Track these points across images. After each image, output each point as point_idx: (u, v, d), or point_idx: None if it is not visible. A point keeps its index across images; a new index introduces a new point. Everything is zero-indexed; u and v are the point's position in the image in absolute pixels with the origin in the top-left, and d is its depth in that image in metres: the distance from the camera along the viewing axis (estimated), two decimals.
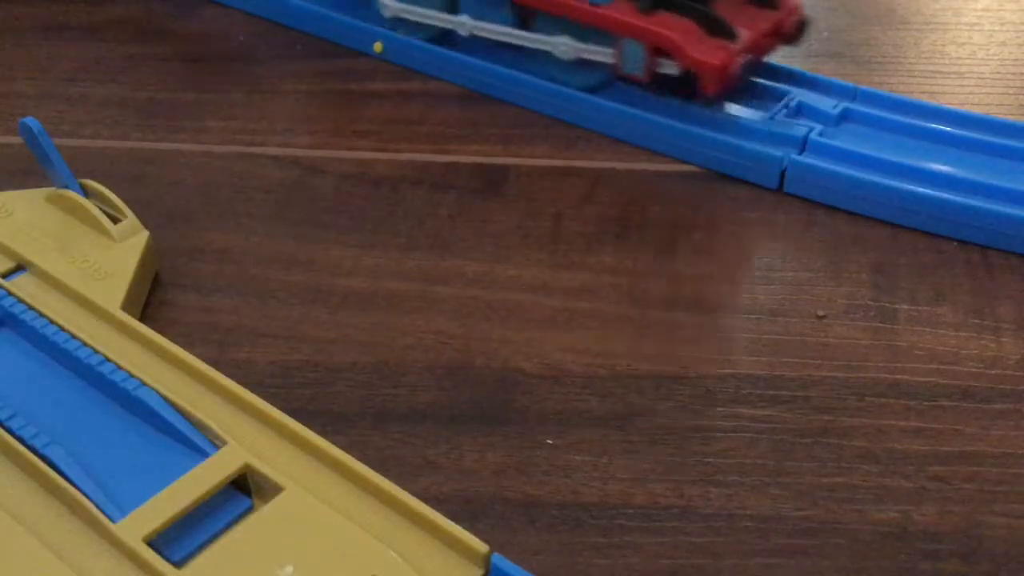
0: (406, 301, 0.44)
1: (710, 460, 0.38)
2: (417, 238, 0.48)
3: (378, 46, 0.60)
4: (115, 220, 0.44)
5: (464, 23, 0.56)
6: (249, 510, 0.33)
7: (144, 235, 0.44)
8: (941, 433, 0.39)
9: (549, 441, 0.38)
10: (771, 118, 0.52)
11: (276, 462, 0.34)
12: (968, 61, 0.61)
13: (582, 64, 0.54)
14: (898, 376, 0.41)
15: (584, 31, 0.53)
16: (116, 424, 0.36)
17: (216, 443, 0.34)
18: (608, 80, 0.54)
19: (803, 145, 0.50)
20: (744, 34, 0.51)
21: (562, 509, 0.36)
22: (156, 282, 0.45)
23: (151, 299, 0.44)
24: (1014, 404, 0.40)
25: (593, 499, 0.36)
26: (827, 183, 0.49)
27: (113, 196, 0.45)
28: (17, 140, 0.48)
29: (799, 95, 0.53)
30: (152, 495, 0.32)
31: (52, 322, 0.38)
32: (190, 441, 0.34)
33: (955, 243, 0.47)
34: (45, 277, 0.41)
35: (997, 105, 0.57)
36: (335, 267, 0.46)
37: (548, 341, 0.42)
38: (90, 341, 0.38)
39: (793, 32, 0.53)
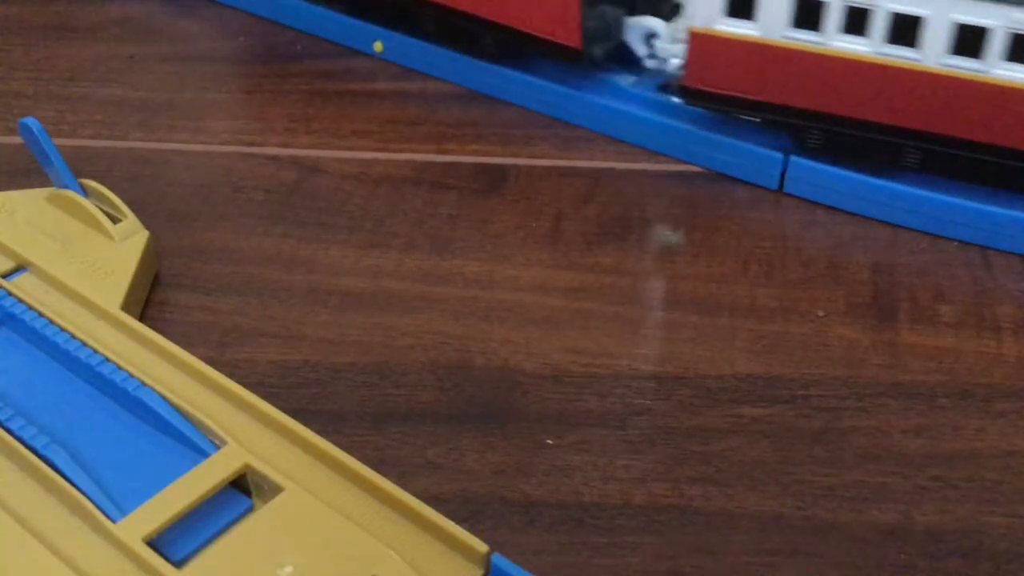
0: (406, 301, 0.44)
1: (710, 460, 0.38)
2: (417, 238, 0.48)
3: (378, 46, 0.60)
4: (115, 220, 0.44)
5: None
6: (249, 510, 0.33)
7: (144, 235, 0.44)
8: (941, 433, 0.39)
9: (549, 441, 0.38)
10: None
11: (276, 462, 0.34)
12: None
13: None
14: (898, 376, 0.41)
15: None
16: (116, 424, 0.36)
17: (216, 443, 0.34)
18: None
19: (803, 145, 0.50)
20: None
21: (562, 509, 0.36)
22: (156, 282, 0.45)
23: (151, 299, 0.44)
24: (1014, 404, 0.40)
25: (593, 499, 0.36)
26: (827, 183, 0.49)
27: (113, 196, 0.45)
28: (17, 140, 0.48)
29: None
30: (152, 495, 0.32)
31: (52, 322, 0.38)
32: (190, 441, 0.34)
33: (955, 243, 0.47)
34: (45, 277, 0.41)
35: None
36: (335, 267, 0.46)
37: (548, 341, 0.42)
38: (90, 341, 0.38)
39: None
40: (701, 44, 0.49)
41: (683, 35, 0.50)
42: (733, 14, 0.47)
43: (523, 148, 0.54)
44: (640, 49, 0.53)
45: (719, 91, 0.49)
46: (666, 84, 0.54)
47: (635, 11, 0.53)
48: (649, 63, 0.53)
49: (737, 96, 0.49)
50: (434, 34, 0.58)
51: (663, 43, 0.52)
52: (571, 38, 0.52)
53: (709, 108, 0.51)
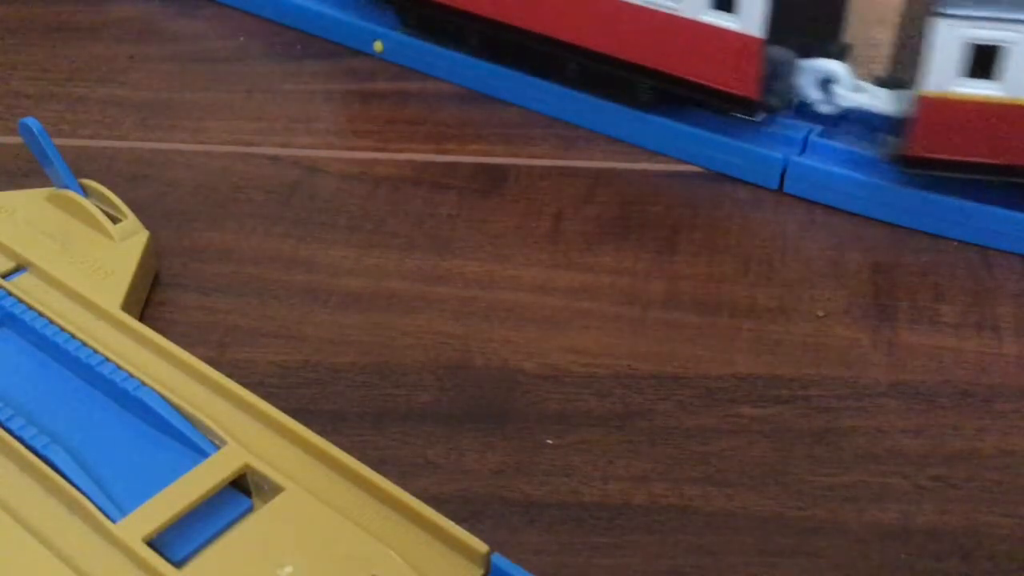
0: (406, 301, 0.44)
1: (710, 460, 0.38)
2: (417, 238, 0.48)
3: (378, 46, 0.60)
4: (115, 220, 0.44)
5: None
6: (249, 510, 0.33)
7: (144, 235, 0.44)
8: (941, 433, 0.39)
9: (549, 441, 0.38)
10: (771, 118, 0.52)
11: (276, 462, 0.34)
12: None
13: None
14: (898, 376, 0.41)
15: None
16: (116, 424, 0.36)
17: (216, 443, 0.34)
18: None
19: (803, 145, 0.50)
20: None
21: (562, 509, 0.36)
22: (156, 282, 0.45)
23: (151, 299, 0.44)
24: (1014, 404, 0.40)
25: (593, 499, 0.36)
26: (827, 183, 0.49)
27: (113, 196, 0.45)
28: (17, 140, 0.48)
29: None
30: (152, 495, 0.32)
31: (52, 322, 0.38)
32: (190, 441, 0.34)
33: (955, 243, 0.47)
34: (45, 277, 0.41)
35: None
36: (335, 267, 0.46)
37: (548, 341, 0.42)
38: (90, 341, 0.38)
39: None
40: (935, 109, 0.45)
41: (866, 83, 0.48)
42: (974, 75, 0.44)
43: (523, 148, 0.54)
44: (814, 95, 0.49)
45: (954, 158, 0.46)
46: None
47: (806, 53, 0.49)
48: (823, 108, 0.50)
49: (973, 161, 0.46)
50: (578, 82, 0.54)
51: (844, 90, 0.49)
52: (747, 88, 0.48)
53: (937, 174, 0.47)
